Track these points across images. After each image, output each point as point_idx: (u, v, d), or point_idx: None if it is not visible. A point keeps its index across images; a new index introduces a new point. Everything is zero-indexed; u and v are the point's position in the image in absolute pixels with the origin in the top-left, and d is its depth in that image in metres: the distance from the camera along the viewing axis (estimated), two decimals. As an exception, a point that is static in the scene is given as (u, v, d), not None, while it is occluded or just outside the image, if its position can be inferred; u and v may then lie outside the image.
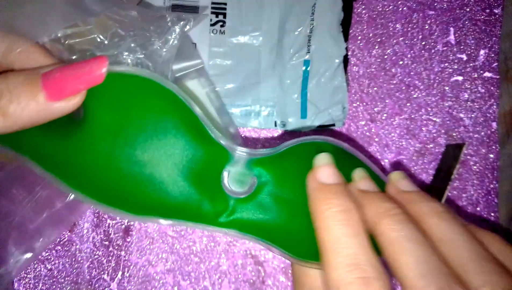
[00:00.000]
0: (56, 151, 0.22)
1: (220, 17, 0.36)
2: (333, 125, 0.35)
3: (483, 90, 0.37)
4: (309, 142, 0.23)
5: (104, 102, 0.22)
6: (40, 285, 0.35)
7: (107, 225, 0.36)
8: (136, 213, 0.22)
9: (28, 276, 0.35)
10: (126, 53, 0.29)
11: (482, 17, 0.37)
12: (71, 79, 0.19)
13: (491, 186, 0.36)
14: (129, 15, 0.29)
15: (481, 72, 0.37)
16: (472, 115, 0.36)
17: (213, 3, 0.36)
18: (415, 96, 0.36)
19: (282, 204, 0.23)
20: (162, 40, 0.29)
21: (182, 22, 0.30)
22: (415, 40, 0.37)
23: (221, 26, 0.36)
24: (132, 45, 0.29)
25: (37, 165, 0.22)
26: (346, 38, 0.35)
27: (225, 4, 0.36)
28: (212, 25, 0.36)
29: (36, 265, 0.36)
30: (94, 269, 0.35)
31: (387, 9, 0.37)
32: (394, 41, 0.37)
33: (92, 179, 0.22)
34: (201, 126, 0.23)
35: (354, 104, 0.37)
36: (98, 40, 0.29)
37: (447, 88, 0.37)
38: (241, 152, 0.23)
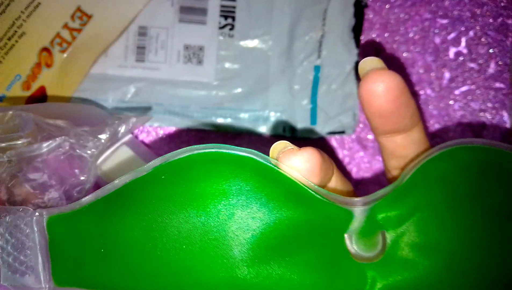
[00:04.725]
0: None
1: (229, 20, 0.35)
2: (343, 132, 0.35)
3: (494, 100, 0.36)
4: (439, 153, 0.18)
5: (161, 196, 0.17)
6: None
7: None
8: None
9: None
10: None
11: (494, 27, 0.36)
12: None
13: None
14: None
15: (493, 82, 0.36)
16: (484, 125, 0.36)
17: (222, 6, 0.35)
18: (426, 104, 0.36)
19: (432, 250, 0.17)
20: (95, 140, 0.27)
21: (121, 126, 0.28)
22: (426, 48, 0.36)
23: (230, 29, 0.35)
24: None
25: None
26: (357, 45, 0.35)
27: (234, 7, 0.35)
28: (220, 28, 0.35)
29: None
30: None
31: (399, 17, 0.36)
32: (406, 48, 0.36)
33: None
34: (298, 188, 0.17)
35: (364, 112, 0.36)
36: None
37: (458, 97, 0.36)
38: (357, 203, 0.18)
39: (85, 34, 0.34)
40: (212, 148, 0.18)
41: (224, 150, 0.18)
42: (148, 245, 0.18)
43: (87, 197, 0.19)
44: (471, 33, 0.36)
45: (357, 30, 0.35)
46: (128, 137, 0.32)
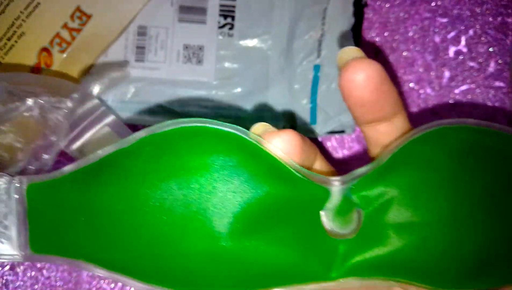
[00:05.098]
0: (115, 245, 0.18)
1: (229, 20, 0.35)
2: (343, 131, 0.35)
3: (494, 99, 0.36)
4: (421, 135, 0.18)
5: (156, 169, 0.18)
6: (36, 293, 0.34)
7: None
8: None
9: (25, 284, 0.34)
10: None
11: (494, 25, 0.36)
12: None
13: None
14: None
15: (493, 81, 0.36)
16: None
17: (221, 5, 0.35)
18: (426, 103, 0.36)
19: (406, 229, 0.18)
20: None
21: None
22: (426, 47, 0.36)
23: (229, 29, 0.35)
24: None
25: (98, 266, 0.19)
26: (357, 44, 0.35)
27: (234, 6, 0.35)
28: (220, 27, 0.35)
29: (33, 273, 0.34)
30: (93, 278, 0.34)
31: (399, 16, 0.36)
32: (405, 48, 0.36)
33: (169, 268, 0.18)
34: (280, 165, 0.18)
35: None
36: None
37: (458, 96, 0.36)
38: (334, 182, 0.18)
39: (85, 34, 0.34)
40: (197, 122, 0.18)
41: (209, 125, 0.18)
42: (129, 216, 0.18)
43: (69, 166, 0.19)
44: (471, 32, 0.36)
45: (356, 29, 0.35)
46: (111, 118, 0.32)
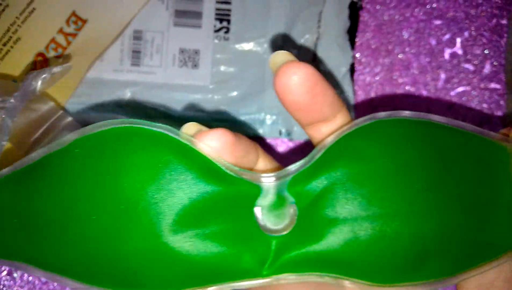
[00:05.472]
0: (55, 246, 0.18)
1: (224, 24, 0.35)
2: (340, 134, 0.35)
3: (489, 101, 0.36)
4: (355, 129, 0.18)
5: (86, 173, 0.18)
6: (33, 298, 0.34)
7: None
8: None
9: (23, 289, 0.34)
10: None
11: (489, 27, 0.37)
12: None
13: None
14: None
15: (488, 82, 0.36)
16: (479, 125, 0.36)
17: (217, 9, 0.35)
18: (422, 105, 0.36)
19: (339, 224, 0.18)
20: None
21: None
22: (421, 49, 0.36)
23: (225, 32, 0.35)
24: None
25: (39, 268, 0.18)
26: (352, 47, 0.35)
27: (230, 10, 0.35)
28: (216, 31, 0.35)
29: (30, 278, 0.34)
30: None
31: (394, 18, 0.36)
32: (401, 50, 0.36)
33: (96, 265, 0.18)
34: (211, 164, 0.18)
35: (361, 112, 0.36)
36: None
37: (454, 98, 0.36)
38: (267, 178, 0.18)
39: (80, 39, 0.34)
40: (126, 123, 0.18)
41: (138, 125, 0.18)
42: (62, 217, 0.18)
43: (4, 169, 0.19)
44: (466, 34, 0.36)
45: (352, 32, 0.35)
46: (69, 120, 0.32)
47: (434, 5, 0.36)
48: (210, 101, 0.35)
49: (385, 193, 0.17)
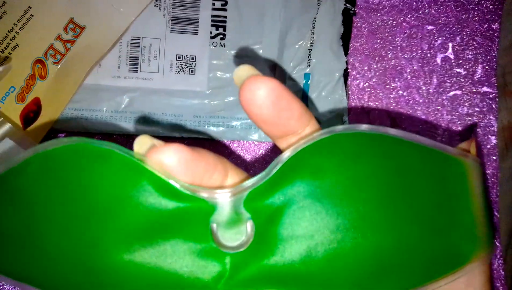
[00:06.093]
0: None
1: (220, 30, 0.35)
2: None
3: (481, 105, 0.37)
4: (311, 144, 0.18)
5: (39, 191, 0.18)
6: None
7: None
8: None
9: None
10: None
11: (481, 32, 0.37)
12: None
13: (490, 199, 0.36)
14: None
15: (480, 86, 0.37)
16: (471, 129, 0.37)
17: (213, 16, 0.35)
18: (414, 110, 0.37)
19: (296, 240, 0.18)
20: None
21: None
22: (414, 54, 0.37)
23: (221, 39, 0.35)
24: None
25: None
26: (346, 52, 0.35)
27: (225, 17, 0.35)
28: (212, 38, 0.35)
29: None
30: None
31: (387, 24, 0.37)
32: (394, 55, 0.37)
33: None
34: (162, 181, 0.18)
35: (355, 117, 0.37)
36: None
37: (446, 102, 0.37)
38: (223, 195, 0.18)
39: (78, 46, 0.34)
40: (77, 141, 0.18)
41: (88, 143, 0.18)
42: (20, 234, 0.18)
43: None
44: (458, 38, 0.37)
45: (345, 38, 0.36)
46: (6, 127, 0.31)
47: (426, 10, 0.37)
48: (207, 106, 0.35)
49: (341, 208, 0.17)
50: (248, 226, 0.18)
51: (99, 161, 0.18)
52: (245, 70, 0.18)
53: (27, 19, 0.34)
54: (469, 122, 0.37)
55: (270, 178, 0.18)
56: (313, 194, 0.17)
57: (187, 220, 0.18)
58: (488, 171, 0.36)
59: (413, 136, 0.19)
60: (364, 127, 0.18)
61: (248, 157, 0.36)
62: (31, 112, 0.34)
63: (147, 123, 0.35)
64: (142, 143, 0.18)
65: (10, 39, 0.34)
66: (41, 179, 0.18)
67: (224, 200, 0.18)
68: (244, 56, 0.35)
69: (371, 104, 0.37)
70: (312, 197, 0.17)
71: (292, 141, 0.19)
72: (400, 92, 0.37)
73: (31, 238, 0.18)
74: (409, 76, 0.37)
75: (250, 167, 0.36)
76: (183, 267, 0.18)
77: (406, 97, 0.37)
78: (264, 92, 0.17)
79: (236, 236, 0.18)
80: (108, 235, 0.17)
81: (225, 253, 0.18)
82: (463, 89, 0.37)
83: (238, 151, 0.36)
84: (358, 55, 0.37)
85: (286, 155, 0.18)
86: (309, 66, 0.35)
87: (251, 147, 0.36)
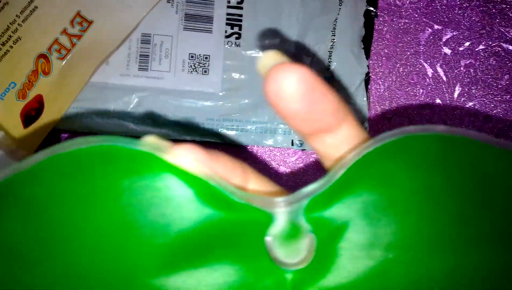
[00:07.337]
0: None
1: (236, 29, 0.34)
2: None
3: (506, 113, 0.35)
4: (380, 146, 0.15)
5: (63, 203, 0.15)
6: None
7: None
8: None
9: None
10: None
11: (507, 38, 0.36)
12: None
13: None
14: None
15: (505, 95, 0.36)
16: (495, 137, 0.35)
17: (228, 14, 0.34)
18: (436, 116, 0.35)
19: (365, 259, 0.15)
20: None
21: None
22: (437, 60, 0.35)
23: (236, 38, 0.34)
24: None
25: None
26: (367, 56, 0.34)
27: (241, 15, 0.34)
28: (227, 37, 0.34)
29: None
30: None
31: (409, 27, 0.36)
32: (416, 60, 0.35)
33: None
34: (215, 190, 0.15)
35: (375, 122, 0.35)
36: None
37: (470, 109, 0.35)
38: (278, 204, 0.15)
39: (85, 41, 0.32)
40: (105, 141, 0.15)
41: (120, 144, 0.15)
42: (34, 249, 0.15)
43: None
44: (482, 44, 0.36)
45: (367, 40, 0.34)
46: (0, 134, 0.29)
47: (450, 14, 0.36)
48: (221, 108, 0.33)
49: (415, 224, 0.15)
50: (310, 240, 0.15)
51: (136, 168, 0.15)
52: (271, 56, 0.15)
53: (31, 10, 0.32)
54: (491, 129, 0.35)
55: (332, 185, 0.15)
56: (382, 205, 0.15)
57: (237, 232, 0.15)
58: None
59: (499, 141, 0.16)
60: (441, 128, 0.15)
61: (263, 164, 0.34)
62: (33, 110, 0.32)
63: (156, 124, 0.33)
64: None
65: (12, 32, 0.32)
66: (60, 186, 0.15)
67: (280, 209, 0.15)
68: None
69: (393, 108, 0.35)
70: (380, 209, 0.15)
71: (327, 140, 0.17)
72: (422, 98, 0.35)
73: (40, 256, 0.15)
74: (431, 82, 0.35)
75: (267, 176, 0.34)
76: (235, 285, 0.15)
77: (429, 103, 0.35)
78: (293, 83, 0.15)
79: (295, 251, 0.15)
80: (145, 253, 0.15)
81: (283, 270, 0.15)
82: (488, 97, 0.36)
83: (253, 156, 0.34)
84: (379, 59, 0.35)
85: (350, 158, 0.15)
86: (329, 69, 0.34)
87: (265, 153, 0.34)
